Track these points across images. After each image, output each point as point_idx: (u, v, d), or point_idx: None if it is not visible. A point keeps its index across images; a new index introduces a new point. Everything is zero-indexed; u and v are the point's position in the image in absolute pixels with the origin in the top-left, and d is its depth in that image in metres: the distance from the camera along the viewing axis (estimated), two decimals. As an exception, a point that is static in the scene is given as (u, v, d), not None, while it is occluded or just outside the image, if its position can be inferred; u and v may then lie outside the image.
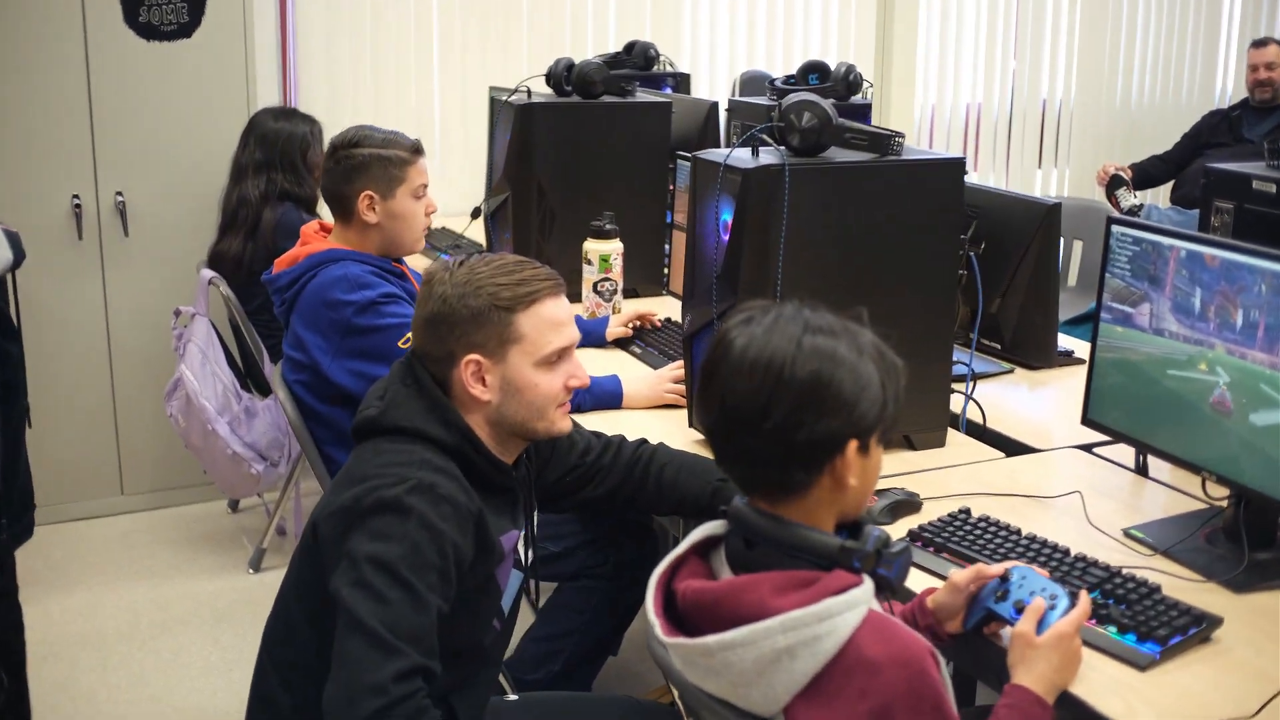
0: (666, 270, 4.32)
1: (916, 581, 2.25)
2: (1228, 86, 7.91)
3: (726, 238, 2.73)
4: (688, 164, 3.86)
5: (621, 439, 2.59)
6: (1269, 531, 2.39)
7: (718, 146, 4.65)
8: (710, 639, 1.65)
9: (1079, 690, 1.97)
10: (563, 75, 4.18)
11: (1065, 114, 7.51)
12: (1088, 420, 2.67)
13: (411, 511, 2.05)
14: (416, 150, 3.30)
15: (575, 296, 4.02)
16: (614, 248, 3.83)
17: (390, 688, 1.90)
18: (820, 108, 2.71)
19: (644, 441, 2.61)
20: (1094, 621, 2.12)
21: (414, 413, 2.19)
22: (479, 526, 2.15)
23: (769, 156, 2.70)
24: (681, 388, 3.17)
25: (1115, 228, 2.57)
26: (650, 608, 1.74)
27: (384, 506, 2.05)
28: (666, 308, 3.86)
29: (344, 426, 3.19)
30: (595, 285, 3.82)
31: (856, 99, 4.72)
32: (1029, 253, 3.28)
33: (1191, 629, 2.09)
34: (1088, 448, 2.96)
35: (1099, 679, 2.01)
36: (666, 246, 4.26)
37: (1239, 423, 2.32)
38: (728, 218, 2.73)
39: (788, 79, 4.96)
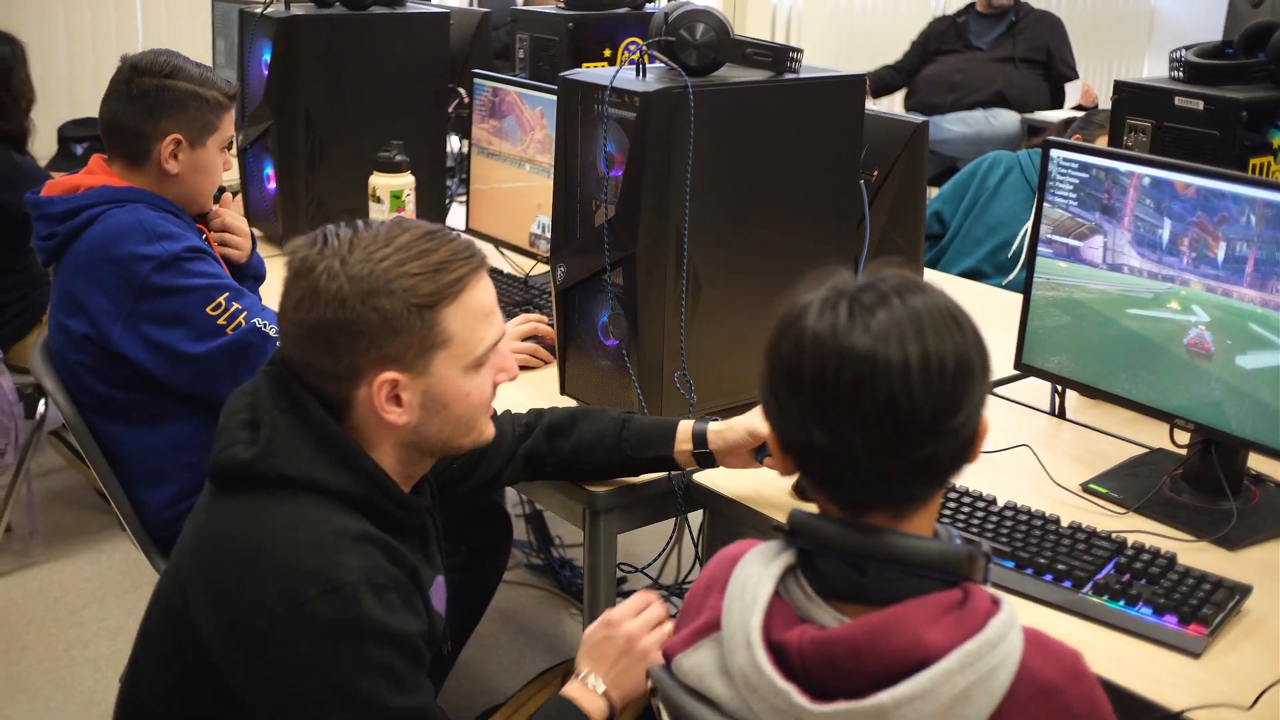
0: (448, 203, 3.88)
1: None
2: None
3: (612, 173, 2.35)
4: (486, 85, 3.46)
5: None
6: (1238, 477, 2.22)
7: (491, 64, 4.22)
8: (884, 697, 1.30)
9: (1143, 689, 1.74)
10: (321, -17, 3.65)
11: (795, 24, 7.38)
12: (1022, 365, 2.43)
13: (365, 626, 1.61)
14: (232, 96, 2.75)
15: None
16: (406, 182, 3.36)
17: None
18: (715, 18, 2.35)
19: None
20: (1122, 603, 1.89)
21: (302, 455, 1.68)
22: (419, 589, 1.74)
23: (659, 78, 2.33)
24: (531, 346, 2.78)
25: (1056, 152, 2.32)
26: (775, 674, 1.37)
27: (330, 633, 1.59)
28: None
29: (139, 415, 2.66)
30: (387, 225, 3.36)
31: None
32: (892, 175, 3.02)
33: (1229, 603, 1.88)
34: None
35: (1156, 673, 1.78)
36: (451, 182, 3.82)
37: (1222, 365, 2.11)
38: (611, 150, 2.35)
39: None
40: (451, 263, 1.71)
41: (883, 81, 6.50)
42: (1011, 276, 3.88)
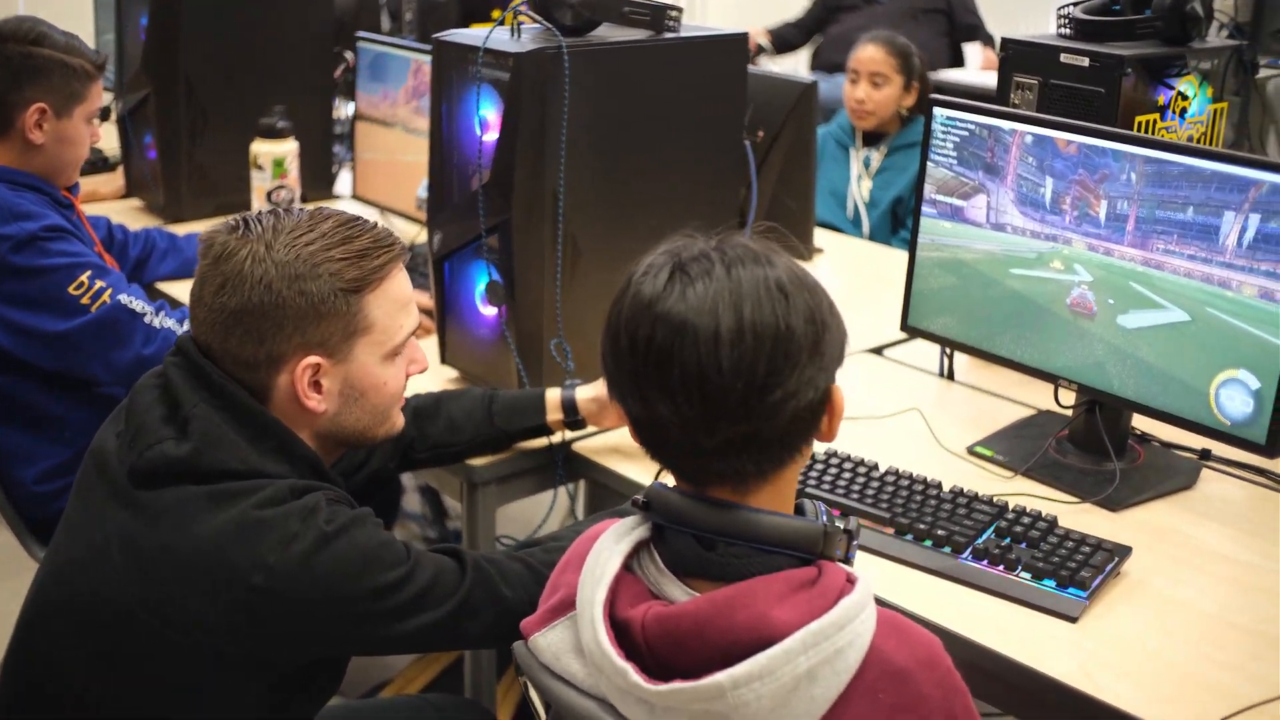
0: (336, 169, 3.79)
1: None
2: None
3: (487, 137, 2.29)
4: (371, 49, 3.38)
5: None
6: (1122, 437, 2.20)
7: (380, 27, 4.13)
8: (721, 677, 1.25)
9: (1020, 655, 1.72)
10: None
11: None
12: (908, 327, 2.39)
13: (353, 522, 1.64)
14: (100, 65, 2.65)
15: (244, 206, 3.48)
16: (289, 149, 3.28)
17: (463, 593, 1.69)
18: (591, -22, 2.29)
19: None
20: (1001, 568, 1.87)
21: (240, 447, 1.64)
22: None
23: (534, 38, 2.27)
24: (421, 316, 2.71)
25: (939, 110, 2.28)
26: (613, 652, 1.32)
27: (323, 544, 1.60)
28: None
29: (5, 396, 2.57)
30: (269, 194, 3.27)
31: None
32: (781, 137, 2.98)
33: (1108, 566, 1.87)
34: (878, 350, 2.71)
35: (1034, 638, 1.76)
36: (338, 147, 3.74)
37: (1105, 325, 2.09)
38: (486, 113, 2.28)
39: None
40: (374, 250, 1.70)
41: (784, 39, 6.42)
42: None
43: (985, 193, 2.22)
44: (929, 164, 2.29)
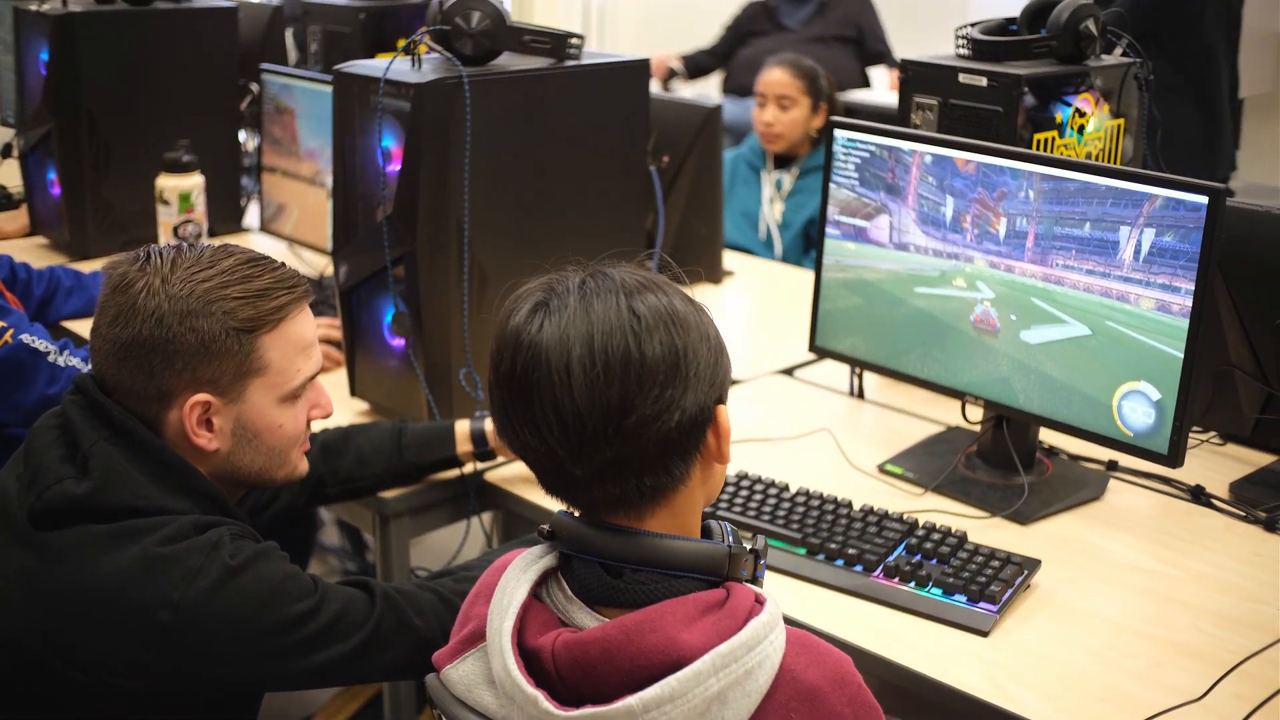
0: (245, 204, 3.76)
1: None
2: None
3: (390, 168, 2.28)
4: (279, 80, 3.36)
5: None
6: (1030, 451, 2.23)
7: (286, 58, 4.10)
8: (632, 700, 1.25)
9: (932, 670, 1.73)
10: (98, -23, 3.50)
11: (608, 12, 7.33)
12: (816, 347, 2.41)
13: (258, 556, 1.63)
14: None
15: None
16: (195, 183, 3.25)
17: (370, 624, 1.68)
18: (490, 5, 2.29)
19: None
20: (912, 585, 1.88)
21: (141, 483, 1.62)
22: None
23: (435, 68, 2.27)
24: (325, 349, 2.69)
25: (840, 132, 2.30)
26: (523, 680, 1.31)
27: (229, 577, 1.59)
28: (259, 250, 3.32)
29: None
30: (176, 229, 3.24)
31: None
32: (688, 161, 2.99)
33: (1017, 579, 1.88)
34: (788, 371, 2.72)
35: (946, 652, 1.78)
36: (246, 179, 3.70)
37: (1008, 341, 2.12)
38: (389, 144, 2.27)
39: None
40: (274, 290, 1.68)
41: (697, 65, 6.47)
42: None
43: (887, 213, 2.24)
44: (831, 185, 2.31)
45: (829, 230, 2.33)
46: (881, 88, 6.39)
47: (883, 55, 6.37)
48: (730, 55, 6.50)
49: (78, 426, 1.65)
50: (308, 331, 1.73)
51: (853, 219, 2.29)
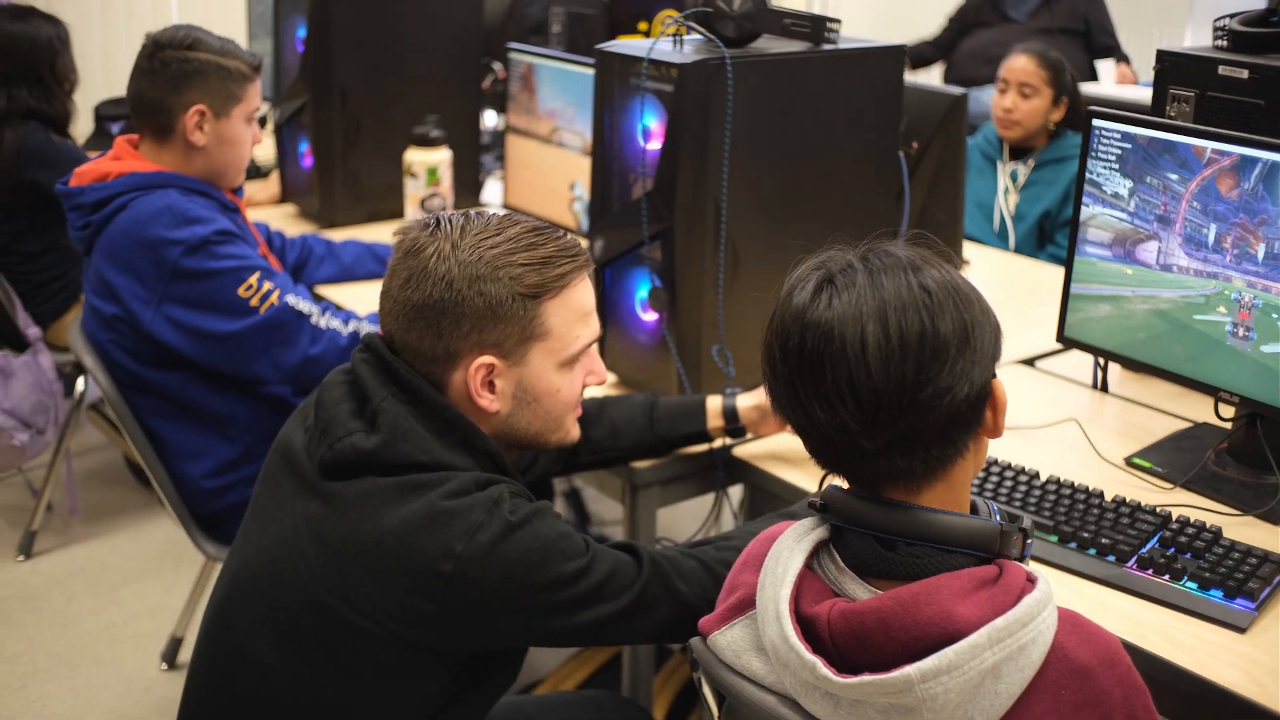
0: (483, 179, 3.87)
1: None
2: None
3: (649, 147, 2.34)
4: (524, 59, 3.45)
5: None
6: (1285, 451, 2.19)
7: (526, 38, 4.20)
8: (910, 670, 1.29)
9: (1189, 663, 1.72)
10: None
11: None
12: (1064, 338, 2.39)
13: (535, 515, 1.69)
14: (256, 67, 2.74)
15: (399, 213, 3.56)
16: (442, 157, 3.36)
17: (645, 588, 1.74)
18: (752, -10, 2.33)
19: None
20: (1167, 577, 1.87)
21: (426, 440, 1.69)
22: None
23: (697, 49, 2.31)
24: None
25: (1099, 122, 2.28)
26: (801, 647, 1.36)
27: (509, 533, 1.66)
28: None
29: (174, 394, 2.67)
30: (423, 201, 3.36)
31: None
32: (931, 147, 2.99)
33: (1275, 577, 1.86)
34: (1029, 362, 2.71)
35: (1200, 646, 1.75)
36: (486, 157, 3.81)
37: (1261, 353, 2.08)
38: (649, 123, 2.33)
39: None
40: (558, 258, 1.74)
41: (920, 56, 6.44)
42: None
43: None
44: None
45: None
46: (1108, 81, 6.26)
47: (1110, 49, 6.24)
48: (953, 46, 6.44)
49: (367, 383, 1.73)
50: (588, 299, 1.78)
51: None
